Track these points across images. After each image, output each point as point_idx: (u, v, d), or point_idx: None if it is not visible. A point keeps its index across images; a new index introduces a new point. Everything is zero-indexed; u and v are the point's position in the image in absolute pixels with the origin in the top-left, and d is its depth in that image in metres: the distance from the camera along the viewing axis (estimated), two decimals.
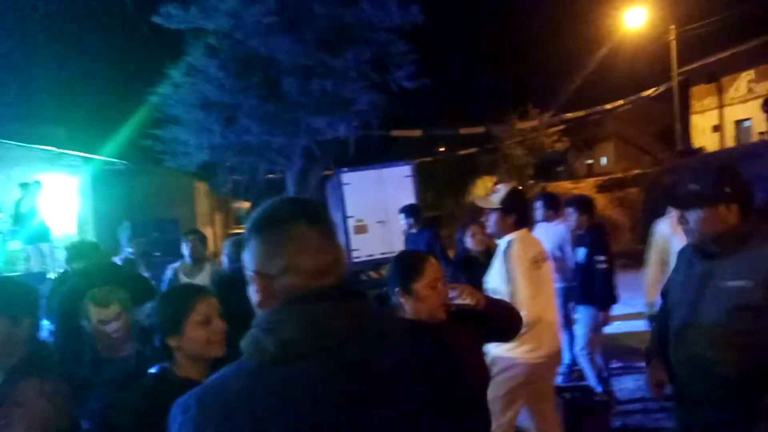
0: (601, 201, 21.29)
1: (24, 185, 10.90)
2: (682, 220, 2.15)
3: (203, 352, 1.94)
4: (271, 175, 18.92)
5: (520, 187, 3.90)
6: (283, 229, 1.12)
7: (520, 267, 3.14)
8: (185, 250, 5.01)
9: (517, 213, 3.28)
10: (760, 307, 1.96)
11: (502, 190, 3.33)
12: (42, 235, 10.56)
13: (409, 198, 12.18)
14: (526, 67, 27.30)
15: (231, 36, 12.91)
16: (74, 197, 13.99)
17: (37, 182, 11.15)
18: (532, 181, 28.39)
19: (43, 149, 13.15)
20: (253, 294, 1.14)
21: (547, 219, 5.66)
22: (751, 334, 1.97)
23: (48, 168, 13.19)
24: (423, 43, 13.85)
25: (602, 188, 22.25)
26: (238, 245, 4.37)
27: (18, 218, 10.81)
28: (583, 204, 5.22)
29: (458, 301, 2.29)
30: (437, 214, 22.10)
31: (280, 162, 15.14)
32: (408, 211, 6.76)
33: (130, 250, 7.47)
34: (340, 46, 12.95)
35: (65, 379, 1.92)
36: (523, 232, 3.30)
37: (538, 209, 5.65)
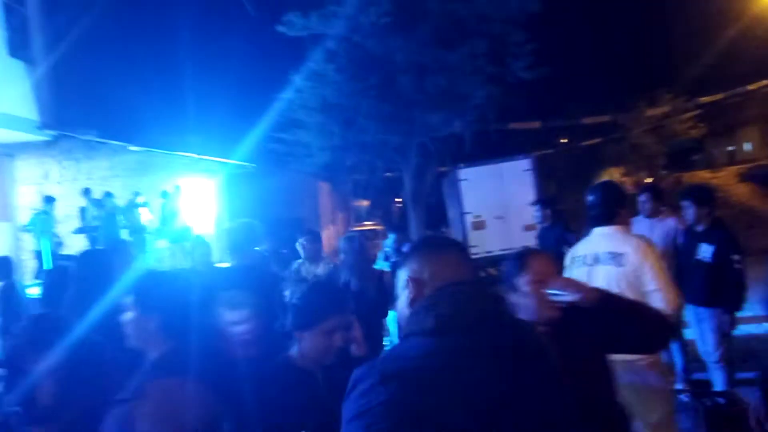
0: (745, 191, 19.48)
1: (167, 189, 12.00)
2: None
3: (314, 356, 2.07)
4: (388, 174, 19.25)
5: (610, 182, 3.67)
6: (436, 249, 1.49)
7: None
8: (300, 250, 5.29)
9: (592, 209, 3.26)
10: None
11: None
12: (183, 235, 11.53)
13: (529, 193, 11.84)
14: (653, 48, 25.45)
15: (349, 39, 13.28)
16: (211, 199, 15.10)
17: (177, 186, 12.19)
18: (664, 172, 26.50)
19: (184, 155, 14.27)
20: (408, 295, 1.42)
21: (651, 214, 5.09)
22: None
23: (188, 173, 14.32)
24: (540, 31, 13.40)
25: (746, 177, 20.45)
26: (350, 241, 4.58)
27: (163, 219, 11.91)
28: (702, 195, 4.63)
29: (563, 298, 2.05)
30: (559, 209, 21.32)
31: (396, 160, 15.35)
32: (544, 203, 6.70)
33: (262, 247, 7.92)
34: (455, 40, 12.86)
35: (208, 382, 1.83)
36: (601, 228, 3.20)
37: (644, 202, 5.11)
